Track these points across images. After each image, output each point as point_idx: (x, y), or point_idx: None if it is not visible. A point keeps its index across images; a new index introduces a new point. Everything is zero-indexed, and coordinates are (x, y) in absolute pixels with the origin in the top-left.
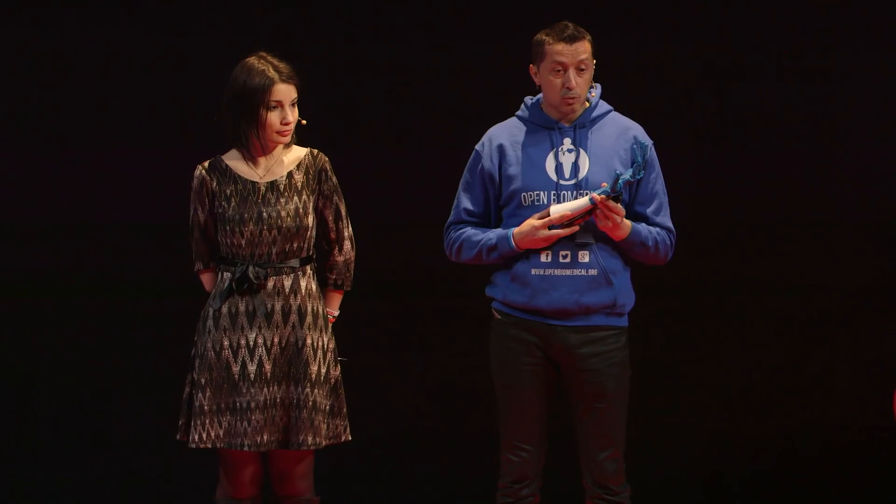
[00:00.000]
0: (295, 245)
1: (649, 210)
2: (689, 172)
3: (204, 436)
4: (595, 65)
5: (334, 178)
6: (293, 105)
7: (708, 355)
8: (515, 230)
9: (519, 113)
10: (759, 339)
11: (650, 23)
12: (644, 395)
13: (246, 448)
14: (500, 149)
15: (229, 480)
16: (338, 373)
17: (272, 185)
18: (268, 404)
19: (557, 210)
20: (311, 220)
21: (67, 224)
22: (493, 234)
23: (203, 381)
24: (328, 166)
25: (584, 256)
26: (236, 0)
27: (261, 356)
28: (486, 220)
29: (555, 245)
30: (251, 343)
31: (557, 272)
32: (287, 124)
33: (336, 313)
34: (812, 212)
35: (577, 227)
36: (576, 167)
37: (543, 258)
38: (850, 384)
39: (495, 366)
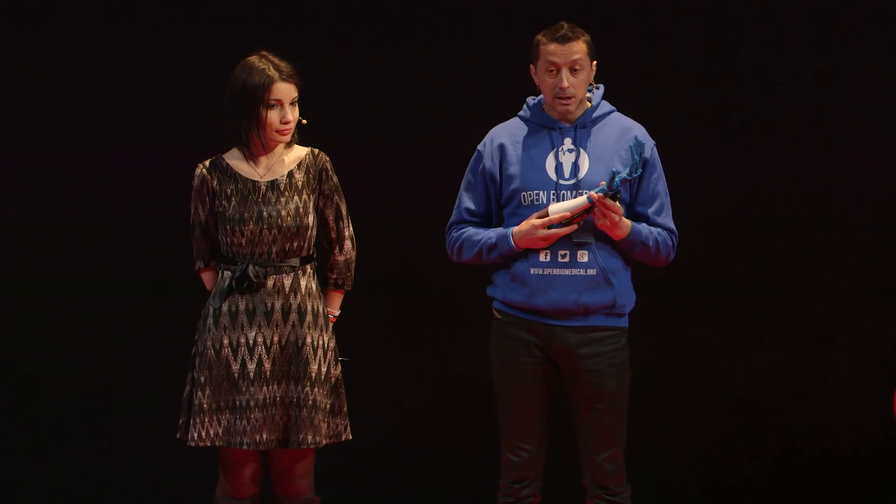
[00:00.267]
0: (295, 244)
1: (650, 210)
2: (690, 172)
3: (203, 434)
4: (595, 65)
5: (335, 178)
6: (293, 104)
7: (708, 356)
8: (515, 229)
9: (521, 113)
10: (760, 339)
11: (651, 23)
12: (644, 395)
13: (245, 446)
14: (501, 148)
15: (228, 479)
16: (338, 372)
17: (273, 185)
18: (267, 403)
19: (556, 209)
20: (311, 219)
21: (67, 224)
22: (493, 234)
23: (203, 379)
24: (329, 166)
25: (583, 256)
26: (236, 0)
27: (260, 355)
28: (487, 219)
29: (554, 245)
30: (251, 342)
31: (556, 272)
32: (287, 123)
33: (337, 313)
34: (812, 212)
35: (575, 226)
36: (576, 167)
37: (542, 257)
38: (850, 385)
39: (496, 366)
